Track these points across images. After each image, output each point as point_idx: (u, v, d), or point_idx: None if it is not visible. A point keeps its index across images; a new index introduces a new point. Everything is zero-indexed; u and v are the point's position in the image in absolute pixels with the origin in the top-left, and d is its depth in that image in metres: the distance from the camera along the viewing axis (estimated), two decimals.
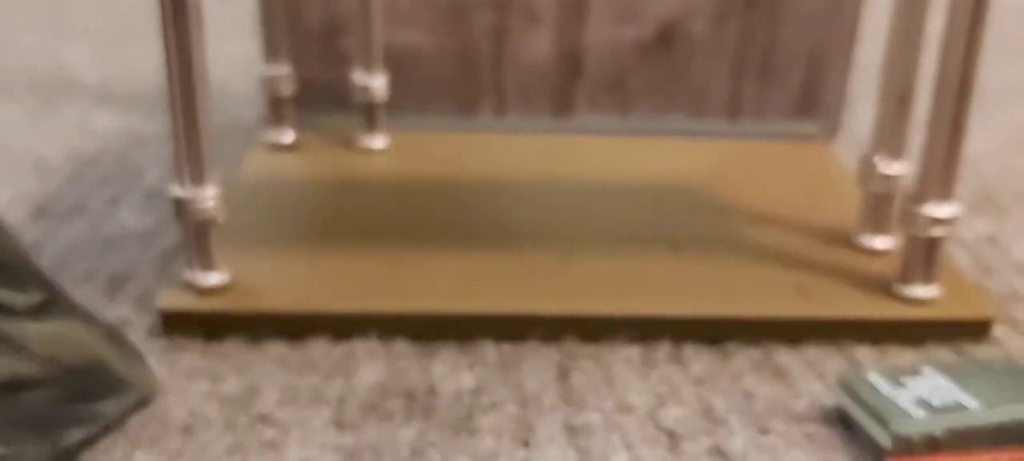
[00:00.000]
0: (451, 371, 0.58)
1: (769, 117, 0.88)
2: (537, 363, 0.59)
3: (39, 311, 0.51)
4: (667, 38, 0.85)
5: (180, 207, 0.58)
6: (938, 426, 0.51)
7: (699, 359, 0.60)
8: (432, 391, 0.56)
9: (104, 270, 0.68)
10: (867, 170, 0.67)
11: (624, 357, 0.59)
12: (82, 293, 0.65)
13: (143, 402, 0.54)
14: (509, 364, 0.59)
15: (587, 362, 0.59)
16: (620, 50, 0.85)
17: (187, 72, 0.55)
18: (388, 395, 0.55)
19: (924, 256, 0.61)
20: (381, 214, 0.71)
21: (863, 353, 0.61)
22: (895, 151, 0.66)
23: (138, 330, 0.61)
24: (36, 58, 1.12)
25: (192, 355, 0.58)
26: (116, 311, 0.63)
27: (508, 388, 0.56)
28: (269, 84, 0.81)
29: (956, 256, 0.72)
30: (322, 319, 0.60)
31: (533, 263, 0.65)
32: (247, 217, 0.70)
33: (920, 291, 0.62)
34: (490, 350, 0.60)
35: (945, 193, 0.59)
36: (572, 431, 0.53)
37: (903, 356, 0.60)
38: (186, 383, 0.56)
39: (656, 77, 0.86)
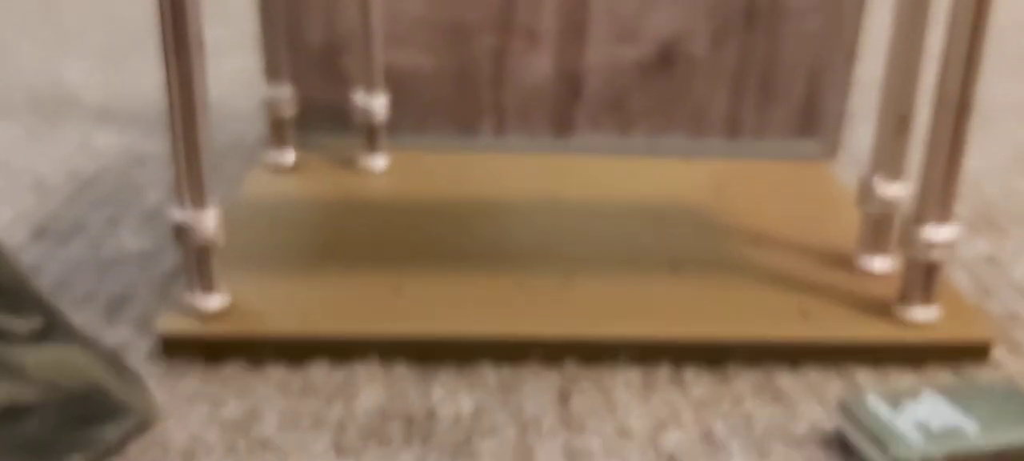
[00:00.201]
0: (450, 394, 0.58)
1: (769, 137, 0.88)
2: (537, 386, 0.59)
3: (39, 336, 0.51)
4: (667, 58, 0.85)
5: (180, 231, 0.58)
6: (937, 451, 0.51)
7: (700, 382, 0.59)
8: (431, 415, 0.56)
9: (104, 292, 0.68)
10: (866, 192, 0.67)
11: (624, 380, 0.59)
12: (82, 315, 0.65)
13: (143, 427, 0.54)
14: (509, 387, 0.58)
15: (587, 385, 0.59)
16: (620, 70, 0.85)
17: (188, 98, 0.55)
18: (388, 419, 0.55)
19: (923, 278, 0.61)
20: (381, 235, 0.71)
21: (863, 375, 0.61)
22: (894, 173, 0.67)
23: (138, 353, 0.61)
24: (36, 76, 1.13)
25: (192, 379, 0.58)
26: (116, 334, 0.63)
27: (507, 412, 0.56)
28: (271, 106, 0.81)
29: (956, 276, 0.72)
30: (323, 343, 0.60)
31: (533, 285, 0.65)
32: (248, 238, 0.70)
33: (919, 313, 0.62)
34: (490, 373, 0.60)
35: (944, 216, 0.60)
36: (572, 455, 0.53)
37: (903, 378, 0.60)
38: (186, 407, 0.56)
39: (656, 97, 0.86)
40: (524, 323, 0.61)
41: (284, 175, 0.81)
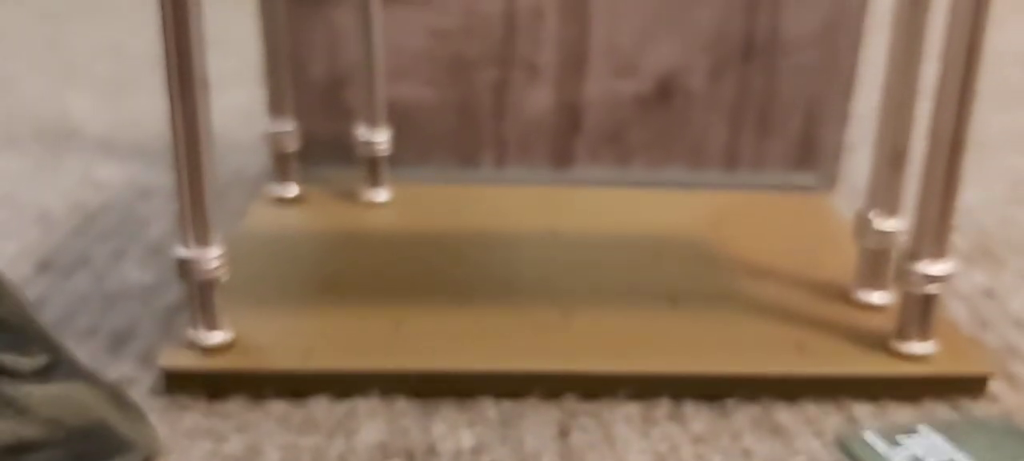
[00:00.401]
0: (451, 430, 0.58)
1: (767, 169, 0.89)
2: (537, 421, 0.59)
3: (43, 373, 0.51)
4: (665, 92, 0.86)
5: (184, 267, 0.59)
6: None
7: (699, 417, 0.60)
8: (432, 451, 0.56)
9: (107, 326, 0.68)
10: (863, 226, 0.68)
11: (624, 415, 0.60)
12: (85, 350, 0.65)
13: None
14: (509, 422, 0.59)
15: (587, 420, 0.59)
16: (619, 104, 0.86)
17: (193, 135, 0.56)
18: (389, 455, 0.56)
19: (920, 313, 0.62)
20: (383, 269, 0.72)
21: (861, 410, 0.61)
22: (890, 207, 0.67)
23: (140, 388, 0.61)
24: (40, 106, 1.14)
25: (194, 414, 0.59)
26: (119, 369, 0.63)
27: (508, 447, 0.57)
28: (274, 139, 0.82)
29: (953, 309, 0.73)
30: (324, 378, 0.60)
31: (533, 319, 0.66)
32: (251, 272, 0.71)
33: (916, 347, 0.63)
34: (490, 408, 0.60)
35: (940, 251, 0.60)
36: None
37: (900, 413, 0.61)
38: (188, 443, 0.56)
39: (655, 130, 0.87)
40: (524, 358, 0.62)
41: (287, 208, 0.82)
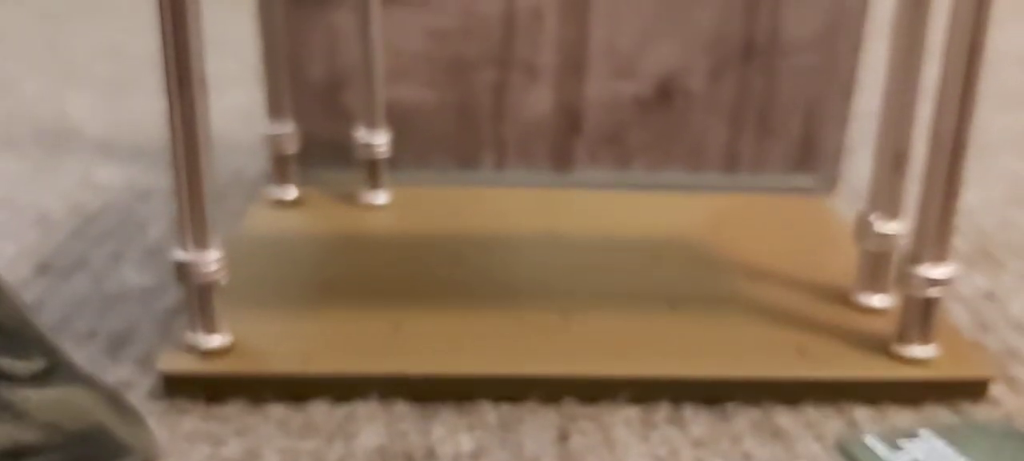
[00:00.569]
0: (450, 433, 0.58)
1: (767, 171, 0.89)
2: (536, 425, 0.59)
3: (41, 378, 0.51)
4: (665, 94, 0.86)
5: (182, 271, 0.59)
6: None
7: (698, 420, 0.60)
8: (431, 454, 0.56)
9: (106, 329, 0.68)
10: (863, 229, 0.68)
11: (623, 418, 0.60)
12: (84, 353, 0.65)
13: None
14: (508, 426, 0.59)
15: (587, 424, 0.59)
16: (619, 105, 0.86)
17: (191, 139, 0.56)
18: (388, 458, 0.56)
19: (921, 316, 0.62)
20: (382, 272, 0.72)
21: (862, 413, 0.61)
22: (891, 210, 0.67)
23: (139, 392, 0.61)
24: (39, 108, 1.13)
25: (193, 418, 0.59)
26: (117, 372, 0.63)
27: (507, 451, 0.57)
28: (273, 141, 0.82)
29: (954, 312, 0.73)
30: (323, 381, 0.60)
31: (532, 322, 0.65)
32: (250, 275, 0.70)
33: (917, 351, 0.62)
34: (489, 412, 0.60)
35: (941, 254, 0.60)
36: None
37: (901, 416, 0.61)
38: (187, 447, 0.56)
39: (655, 132, 0.87)
40: (524, 361, 0.61)
41: (286, 210, 0.82)
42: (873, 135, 0.68)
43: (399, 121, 0.86)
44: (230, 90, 1.14)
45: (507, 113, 0.86)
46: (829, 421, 0.60)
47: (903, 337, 0.63)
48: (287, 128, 0.81)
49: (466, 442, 0.57)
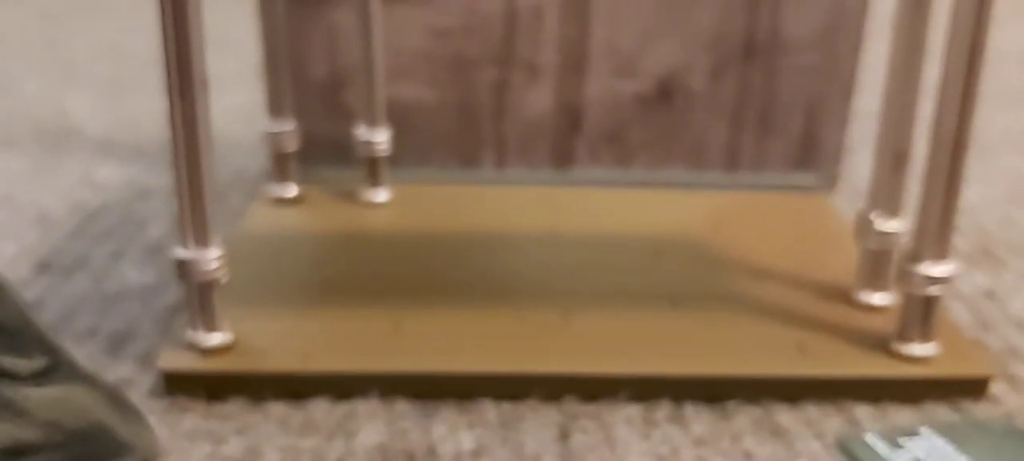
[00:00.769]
0: (451, 431, 0.58)
1: (768, 169, 0.89)
2: (537, 423, 0.59)
3: (42, 376, 0.51)
4: (666, 92, 0.86)
5: (183, 269, 0.59)
6: None
7: (699, 419, 0.60)
8: (432, 452, 0.56)
9: (106, 327, 0.68)
10: (864, 227, 0.68)
11: (624, 417, 0.60)
12: (84, 351, 0.65)
13: None
14: (509, 424, 0.59)
15: (588, 422, 0.59)
16: (619, 104, 0.86)
17: (192, 137, 0.56)
18: (389, 456, 0.56)
19: (921, 314, 0.62)
20: (383, 270, 0.72)
21: (862, 411, 0.61)
22: (892, 208, 0.67)
23: (140, 390, 0.61)
24: (39, 106, 1.13)
25: (194, 416, 0.59)
26: (118, 370, 0.63)
27: (508, 449, 0.57)
28: (273, 140, 0.82)
29: (954, 310, 0.73)
30: (323, 379, 0.60)
31: (533, 320, 0.65)
32: (250, 273, 0.70)
33: (918, 349, 0.62)
34: (490, 410, 0.60)
35: (941, 252, 0.60)
36: None
37: (902, 414, 0.61)
38: (188, 445, 0.56)
39: (655, 130, 0.87)
40: (524, 360, 0.61)
41: (286, 208, 0.82)
42: (873, 134, 0.68)
43: (400, 119, 0.86)
44: (230, 89, 1.14)
45: (508, 111, 0.86)
46: (829, 419, 0.60)
47: (903, 335, 0.63)
48: (288, 126, 0.81)
49: (467, 440, 0.57)
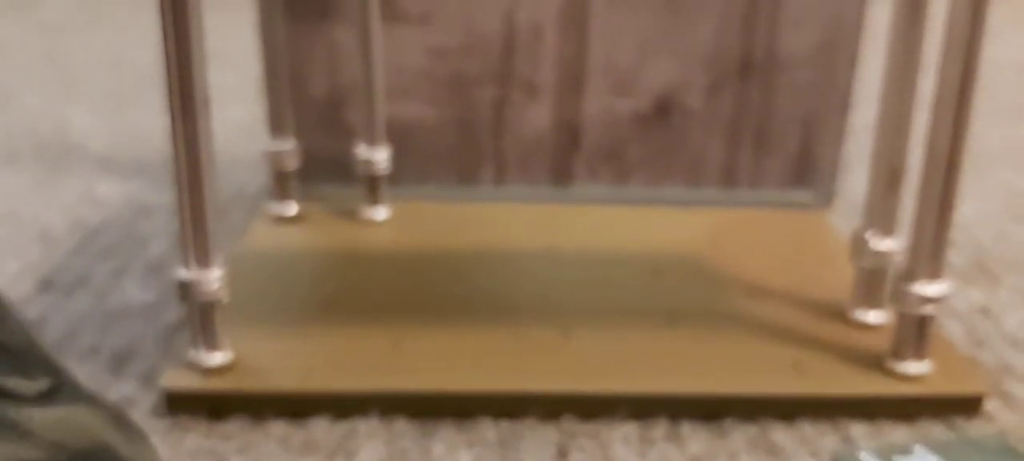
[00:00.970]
0: (450, 450, 0.58)
1: (765, 186, 0.89)
2: (535, 442, 0.59)
3: (45, 397, 0.52)
4: (663, 110, 0.86)
5: (185, 289, 0.59)
6: None
7: (696, 437, 0.60)
8: None
9: (108, 345, 0.69)
10: (859, 245, 0.69)
11: (622, 435, 0.60)
12: (86, 369, 0.66)
13: None
14: (508, 443, 0.59)
15: (585, 440, 0.60)
16: (617, 121, 0.87)
17: (194, 158, 0.57)
18: None
19: (915, 333, 0.62)
20: (382, 288, 0.72)
21: (857, 429, 0.61)
22: (886, 227, 0.68)
23: (142, 409, 0.62)
24: (41, 122, 1.14)
25: (196, 435, 0.59)
26: (120, 389, 0.64)
27: None
28: (274, 158, 0.82)
29: (949, 327, 0.73)
30: (324, 399, 0.61)
31: (532, 339, 0.66)
32: (251, 291, 0.71)
33: (912, 367, 0.63)
34: (489, 429, 0.61)
35: (935, 272, 0.61)
36: None
37: (896, 432, 0.61)
38: None
39: (653, 147, 0.88)
40: (523, 378, 0.62)
41: (286, 226, 0.82)
42: (870, 150, 0.69)
43: (400, 137, 0.87)
44: (231, 104, 1.15)
45: (507, 129, 0.87)
46: (825, 437, 0.61)
47: (898, 353, 0.63)
48: (288, 145, 0.82)
49: (466, 459, 0.58)
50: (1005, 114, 1.23)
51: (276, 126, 0.82)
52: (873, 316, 0.69)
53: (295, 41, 0.84)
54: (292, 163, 0.83)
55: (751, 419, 0.62)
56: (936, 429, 0.62)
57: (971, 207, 0.95)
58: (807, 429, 0.61)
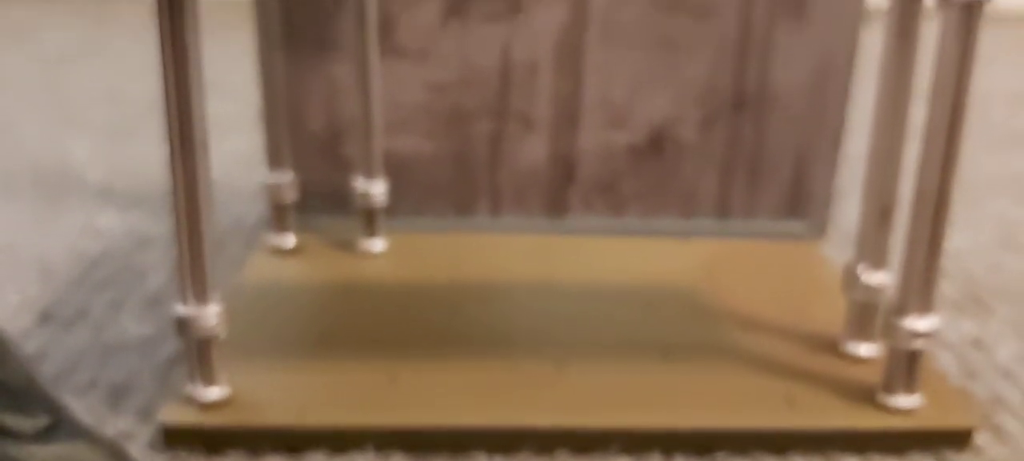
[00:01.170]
0: None
1: (758, 217, 0.90)
2: None
3: (45, 434, 0.52)
4: (657, 143, 0.87)
5: (182, 325, 0.60)
6: None
7: None
8: None
9: (106, 379, 0.69)
10: (850, 279, 0.69)
11: None
12: (85, 404, 0.66)
13: None
14: None
15: None
16: (612, 154, 0.88)
17: (192, 196, 0.57)
18: None
19: (906, 367, 0.63)
20: (379, 322, 0.73)
21: None
22: (877, 261, 0.68)
23: (139, 443, 0.62)
24: (40, 153, 1.15)
25: None
26: (118, 423, 0.64)
27: None
28: (272, 191, 0.83)
29: (941, 358, 0.74)
30: (320, 434, 0.61)
31: (527, 372, 0.67)
32: (249, 325, 0.72)
33: (903, 401, 0.64)
34: None
35: (925, 306, 0.61)
36: None
37: None
38: None
39: (647, 180, 0.88)
40: (517, 413, 0.63)
41: (284, 258, 0.83)
42: (862, 181, 0.69)
43: (398, 170, 0.88)
44: (230, 134, 1.15)
45: (503, 162, 0.88)
46: None
47: (889, 387, 0.64)
48: (286, 178, 0.83)
49: None
50: (998, 144, 1.24)
51: (275, 159, 0.82)
52: (865, 349, 0.70)
53: (294, 76, 0.85)
54: (290, 196, 0.84)
55: (744, 452, 0.62)
56: None
57: (964, 237, 0.96)
58: None
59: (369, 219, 0.85)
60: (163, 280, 0.84)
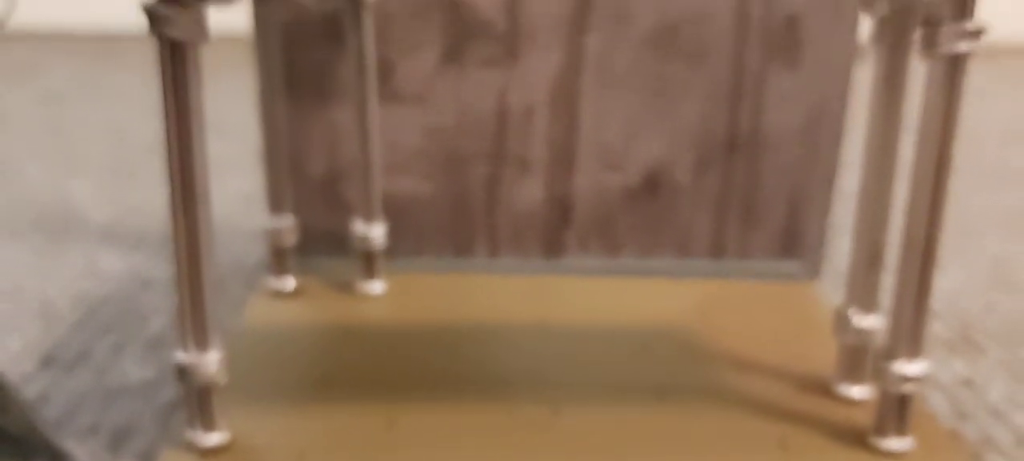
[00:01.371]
0: None
1: (752, 257, 0.91)
2: None
3: None
4: (652, 184, 0.88)
5: (182, 372, 0.61)
6: None
7: None
8: None
9: (108, 423, 0.70)
10: (842, 323, 0.70)
11: None
12: (87, 448, 0.67)
13: None
14: None
15: None
16: (608, 196, 0.89)
17: (194, 246, 0.58)
18: None
19: (897, 411, 0.64)
20: (378, 365, 0.74)
21: None
22: (868, 305, 0.69)
23: None
24: (42, 193, 1.16)
25: None
26: None
27: None
28: (272, 235, 0.84)
29: (933, 399, 0.75)
30: None
31: (523, 416, 0.67)
32: (249, 370, 0.72)
33: (894, 443, 0.64)
34: None
35: (915, 351, 0.62)
36: None
37: None
38: None
39: (643, 221, 0.90)
40: (514, 457, 0.63)
41: (284, 302, 0.84)
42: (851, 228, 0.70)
43: (397, 212, 0.89)
44: (231, 175, 1.17)
45: (500, 204, 0.89)
46: None
47: (881, 430, 0.65)
48: (287, 222, 0.84)
49: None
50: (990, 180, 1.25)
51: (275, 204, 0.83)
52: (857, 391, 0.71)
53: (294, 121, 0.86)
54: (290, 240, 0.85)
55: None
56: None
57: (955, 276, 0.97)
58: None
59: (368, 261, 0.86)
60: (165, 322, 0.85)
